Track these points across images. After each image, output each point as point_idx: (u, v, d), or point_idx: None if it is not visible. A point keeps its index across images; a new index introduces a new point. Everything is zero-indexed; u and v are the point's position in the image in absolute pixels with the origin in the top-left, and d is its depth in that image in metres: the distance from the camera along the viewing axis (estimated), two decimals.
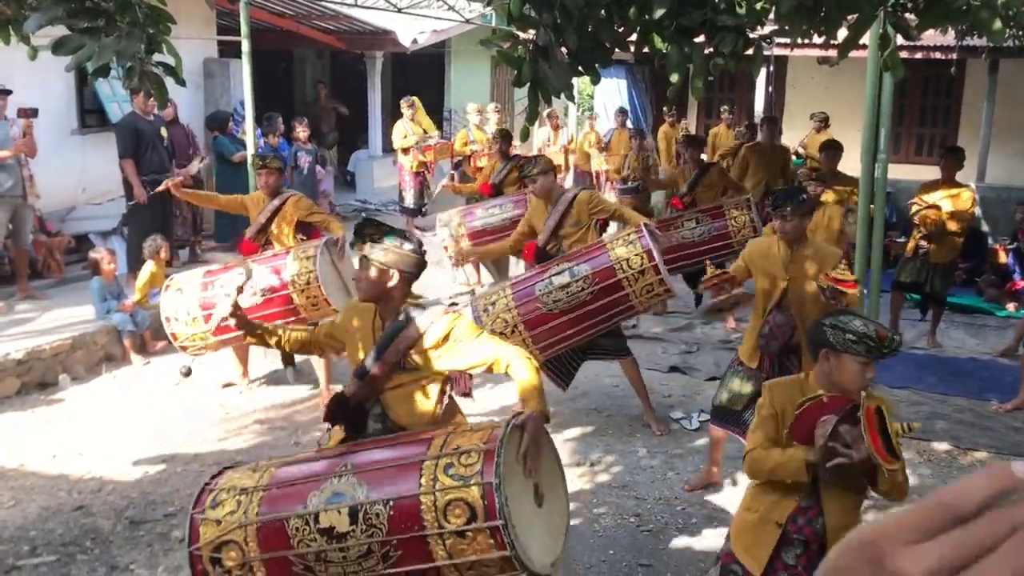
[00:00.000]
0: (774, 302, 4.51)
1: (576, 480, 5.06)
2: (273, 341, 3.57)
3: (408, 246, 3.20)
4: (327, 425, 3.33)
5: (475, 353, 3.15)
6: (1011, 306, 8.64)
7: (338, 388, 3.30)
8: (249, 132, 8.52)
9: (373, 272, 3.16)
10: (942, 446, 5.56)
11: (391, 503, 2.77)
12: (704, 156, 9.42)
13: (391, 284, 3.17)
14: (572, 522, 4.57)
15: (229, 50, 10.92)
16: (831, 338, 2.91)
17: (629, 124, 13.60)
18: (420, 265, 3.24)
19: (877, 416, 2.74)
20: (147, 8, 3.32)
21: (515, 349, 3.23)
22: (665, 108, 13.60)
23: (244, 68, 7.87)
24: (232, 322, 3.57)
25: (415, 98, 12.51)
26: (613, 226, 7.50)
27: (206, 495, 3.02)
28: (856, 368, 2.90)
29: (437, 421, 3.21)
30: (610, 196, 9.94)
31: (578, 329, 5.33)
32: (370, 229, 3.23)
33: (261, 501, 2.91)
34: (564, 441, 5.58)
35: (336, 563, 2.81)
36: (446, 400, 3.30)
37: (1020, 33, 7.92)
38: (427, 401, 3.20)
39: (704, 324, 7.97)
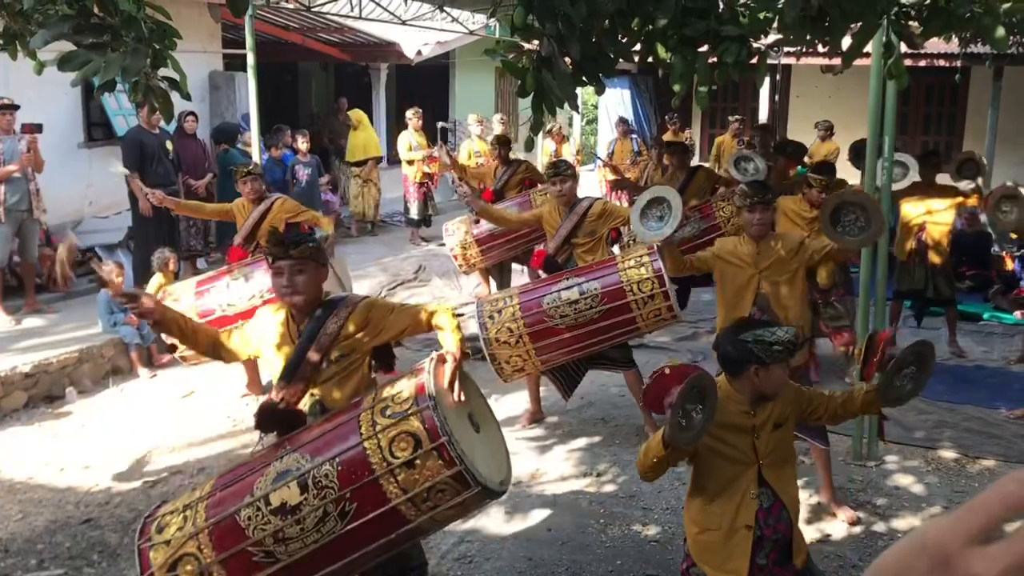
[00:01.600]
0: (750, 299, 4.55)
1: (583, 490, 5.05)
2: (176, 329, 3.28)
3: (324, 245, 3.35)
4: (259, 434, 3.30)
5: (396, 324, 3.27)
6: (1018, 313, 8.61)
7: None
8: (255, 144, 8.56)
9: (311, 272, 3.20)
10: (950, 455, 5.53)
11: (337, 459, 2.80)
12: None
13: (323, 280, 3.26)
14: (579, 533, 4.56)
15: (234, 63, 10.97)
16: (759, 353, 2.90)
17: (633, 134, 13.60)
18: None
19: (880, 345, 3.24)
20: (153, 23, 3.33)
21: (429, 305, 3.36)
22: (667, 116, 13.59)
23: (249, 81, 7.91)
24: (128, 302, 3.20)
25: (360, 112, 12.48)
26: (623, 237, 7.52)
27: (149, 524, 2.97)
28: (781, 373, 2.97)
29: None
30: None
31: (582, 345, 5.33)
32: (292, 236, 3.31)
33: (207, 508, 2.89)
34: (570, 451, 5.57)
35: (295, 538, 2.77)
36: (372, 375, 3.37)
37: None
38: (361, 382, 3.25)
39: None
